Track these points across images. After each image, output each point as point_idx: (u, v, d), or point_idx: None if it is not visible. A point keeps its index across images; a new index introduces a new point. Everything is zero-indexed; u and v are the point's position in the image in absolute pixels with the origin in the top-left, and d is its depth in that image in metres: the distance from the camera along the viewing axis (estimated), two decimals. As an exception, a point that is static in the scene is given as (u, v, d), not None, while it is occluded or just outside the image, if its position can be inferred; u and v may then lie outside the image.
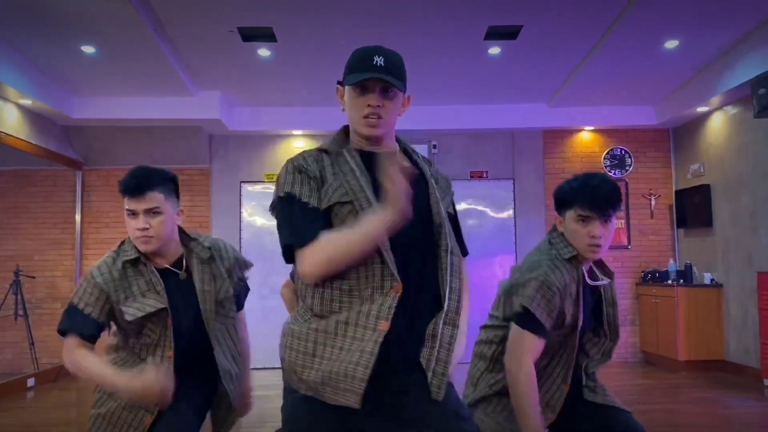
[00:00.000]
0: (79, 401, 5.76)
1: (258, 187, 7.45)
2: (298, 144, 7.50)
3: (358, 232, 1.50)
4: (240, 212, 7.38)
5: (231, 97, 6.86)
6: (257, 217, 7.39)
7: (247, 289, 2.48)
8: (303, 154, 1.68)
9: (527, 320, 2.02)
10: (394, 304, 1.51)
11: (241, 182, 7.42)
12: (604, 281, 2.21)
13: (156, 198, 2.13)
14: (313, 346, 1.55)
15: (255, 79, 6.31)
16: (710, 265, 6.72)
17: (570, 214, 2.12)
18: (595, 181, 2.10)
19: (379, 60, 1.63)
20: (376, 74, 1.60)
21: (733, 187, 6.35)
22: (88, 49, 5.44)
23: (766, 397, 5.34)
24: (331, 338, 1.54)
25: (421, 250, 1.62)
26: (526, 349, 2.01)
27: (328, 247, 1.51)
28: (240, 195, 7.41)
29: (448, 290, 1.59)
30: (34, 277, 6.87)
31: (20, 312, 6.64)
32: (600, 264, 2.25)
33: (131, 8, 4.70)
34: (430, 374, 1.54)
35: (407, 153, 1.77)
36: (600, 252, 2.08)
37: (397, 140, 1.77)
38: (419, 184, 1.65)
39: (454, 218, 1.76)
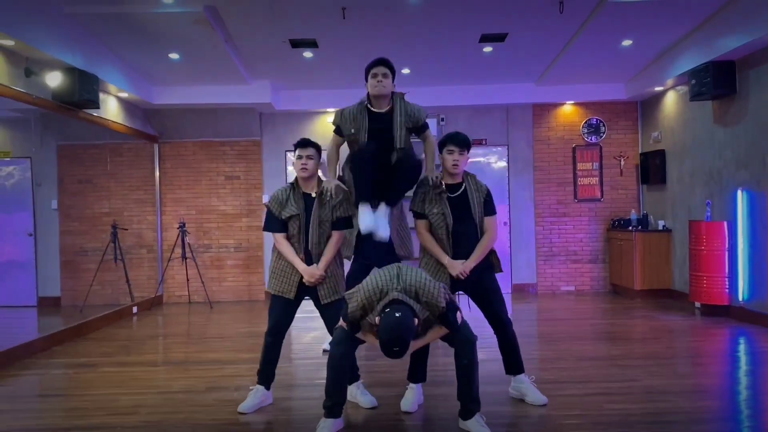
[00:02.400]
0: (166, 322, 7.66)
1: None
2: (331, 119, 9.12)
3: None
4: (285, 175, 9.12)
5: (278, 84, 8.48)
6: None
7: (347, 223, 4.14)
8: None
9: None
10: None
11: (286, 151, 9.13)
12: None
13: (311, 151, 3.98)
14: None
15: (298, 71, 7.91)
16: (663, 215, 8.38)
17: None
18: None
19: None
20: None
21: (679, 153, 7.94)
22: (174, 56, 7.09)
23: (691, 314, 7.09)
24: None
25: None
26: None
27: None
28: (285, 161, 9.13)
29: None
30: (126, 229, 8.70)
31: (118, 257, 8.49)
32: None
33: (211, 28, 6.32)
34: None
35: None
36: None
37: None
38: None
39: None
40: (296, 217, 3.96)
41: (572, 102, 9.03)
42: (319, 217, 3.96)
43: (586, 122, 9.09)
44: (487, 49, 7.23)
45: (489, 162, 9.21)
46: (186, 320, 7.74)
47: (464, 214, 3.93)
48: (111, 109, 7.61)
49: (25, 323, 8.09)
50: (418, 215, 4.00)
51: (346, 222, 4.07)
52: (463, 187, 4.00)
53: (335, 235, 4.00)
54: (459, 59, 7.63)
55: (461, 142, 3.94)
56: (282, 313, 4.05)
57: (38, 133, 8.15)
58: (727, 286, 6.75)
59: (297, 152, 4.00)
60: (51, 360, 5.59)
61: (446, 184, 3.98)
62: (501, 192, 9.15)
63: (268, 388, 4.12)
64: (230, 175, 9.08)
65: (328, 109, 9.05)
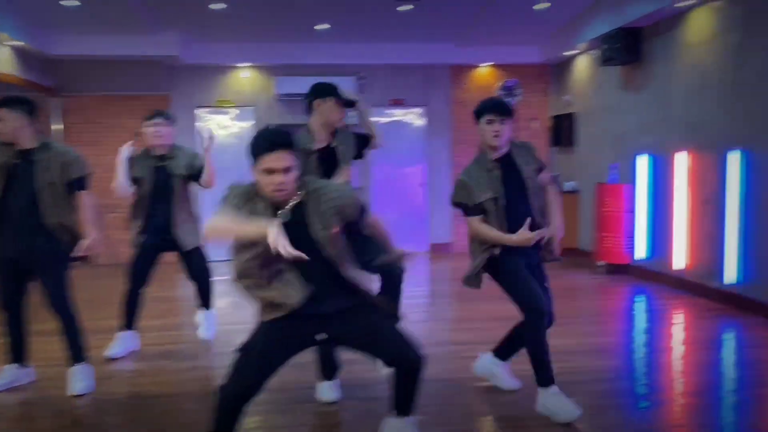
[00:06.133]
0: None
1: (209, 111, 8.86)
2: (245, 74, 8.81)
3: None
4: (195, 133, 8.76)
5: (188, 35, 8.05)
6: (212, 137, 8.80)
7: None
8: None
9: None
10: None
11: (196, 107, 8.76)
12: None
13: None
14: None
15: (209, 22, 7.52)
16: (572, 176, 8.67)
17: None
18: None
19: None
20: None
21: (588, 117, 8.19)
22: (71, 2, 6.56)
23: (595, 273, 7.42)
24: None
25: None
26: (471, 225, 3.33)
27: None
28: (194, 118, 8.76)
29: None
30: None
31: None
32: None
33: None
34: None
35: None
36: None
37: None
38: None
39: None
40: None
41: (489, 64, 9.08)
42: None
43: (501, 85, 9.17)
44: (405, 7, 7.10)
45: (407, 122, 9.19)
46: (92, 284, 7.39)
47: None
48: (2, 58, 6.99)
49: None
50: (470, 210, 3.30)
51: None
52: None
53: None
54: (378, 17, 7.48)
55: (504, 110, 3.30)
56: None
57: None
58: (628, 246, 7.09)
59: None
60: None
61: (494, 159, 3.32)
62: (418, 153, 9.18)
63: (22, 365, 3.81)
64: (140, 132, 8.60)
65: (242, 64, 8.70)
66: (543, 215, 3.39)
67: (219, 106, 8.80)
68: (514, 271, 3.28)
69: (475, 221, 3.29)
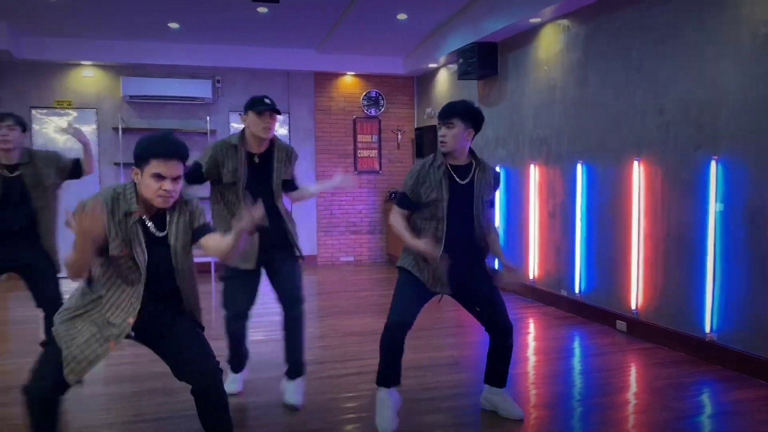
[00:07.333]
0: None
1: (45, 112, 8.01)
2: (87, 73, 8.07)
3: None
4: (30, 136, 7.88)
5: (19, 28, 7.23)
6: (48, 141, 7.96)
7: None
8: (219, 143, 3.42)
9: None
10: None
11: (31, 107, 7.89)
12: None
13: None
14: None
15: (44, 14, 6.78)
16: (435, 188, 8.72)
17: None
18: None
19: (268, 100, 3.31)
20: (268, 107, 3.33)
21: (450, 129, 8.27)
22: None
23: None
24: None
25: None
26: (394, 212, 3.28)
27: None
28: (30, 120, 7.88)
29: None
30: None
31: None
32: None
33: None
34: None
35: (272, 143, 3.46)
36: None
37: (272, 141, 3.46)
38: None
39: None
40: None
41: (353, 73, 8.97)
42: None
43: (366, 95, 9.10)
44: (262, 9, 6.79)
45: (269, 130, 8.84)
46: None
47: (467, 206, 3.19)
48: None
49: None
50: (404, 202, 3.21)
51: None
52: (473, 171, 3.22)
53: None
54: (234, 18, 7.09)
55: (445, 113, 3.21)
56: None
57: None
58: (486, 257, 7.19)
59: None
60: None
61: (450, 165, 3.19)
62: (281, 162, 8.85)
63: None
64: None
65: (84, 62, 7.96)
66: (484, 239, 3.28)
67: (57, 107, 7.98)
68: (403, 283, 3.23)
69: (398, 210, 3.24)
